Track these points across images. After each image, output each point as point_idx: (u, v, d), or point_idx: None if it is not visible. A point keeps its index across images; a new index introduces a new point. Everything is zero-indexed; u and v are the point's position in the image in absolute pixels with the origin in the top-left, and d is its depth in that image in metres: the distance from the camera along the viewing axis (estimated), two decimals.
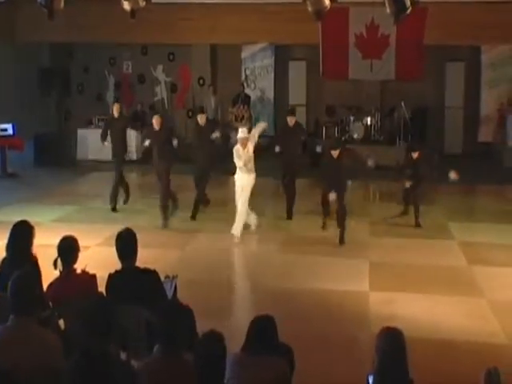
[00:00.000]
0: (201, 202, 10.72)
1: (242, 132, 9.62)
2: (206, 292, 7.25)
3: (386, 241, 9.36)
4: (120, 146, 11.08)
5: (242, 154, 9.39)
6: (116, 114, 11.04)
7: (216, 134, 10.74)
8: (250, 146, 9.49)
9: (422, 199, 10.24)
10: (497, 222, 10.29)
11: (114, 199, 10.99)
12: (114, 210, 10.92)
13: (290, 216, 10.55)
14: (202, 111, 10.96)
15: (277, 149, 10.48)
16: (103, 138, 11.09)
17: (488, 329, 6.43)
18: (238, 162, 9.43)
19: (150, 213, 10.70)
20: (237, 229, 9.37)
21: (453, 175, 9.90)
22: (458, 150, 15.91)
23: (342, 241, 9.21)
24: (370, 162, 10.81)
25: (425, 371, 5.03)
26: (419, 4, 8.31)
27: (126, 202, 11.30)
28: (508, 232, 9.69)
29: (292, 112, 11.03)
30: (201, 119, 10.66)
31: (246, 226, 9.59)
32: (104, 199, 11.41)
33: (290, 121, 10.65)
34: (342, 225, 9.26)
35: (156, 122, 10.24)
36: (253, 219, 9.79)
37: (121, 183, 11.19)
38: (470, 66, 15.99)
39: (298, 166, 10.87)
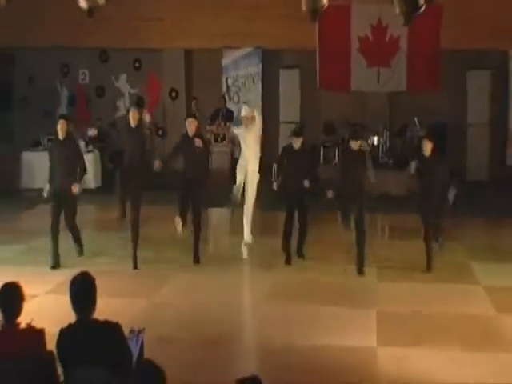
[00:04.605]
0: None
1: (245, 109, 11.07)
2: (178, 351, 7.25)
3: (397, 286, 9.43)
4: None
5: (246, 135, 10.83)
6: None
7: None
8: (252, 132, 10.74)
9: (439, 227, 10.22)
10: None
11: None
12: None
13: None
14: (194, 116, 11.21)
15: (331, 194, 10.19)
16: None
17: None
18: (243, 145, 11.06)
19: (111, 254, 10.75)
20: (247, 235, 10.84)
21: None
22: (483, 176, 16.10)
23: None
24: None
25: None
26: (434, 1, 8.53)
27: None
28: None
29: (356, 136, 10.41)
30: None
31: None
32: None
33: (355, 145, 10.16)
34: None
35: (61, 127, 10.35)
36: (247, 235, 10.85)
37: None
38: (497, 75, 16.22)
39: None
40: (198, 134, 10.61)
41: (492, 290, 9.14)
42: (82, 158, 10.73)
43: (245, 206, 10.93)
